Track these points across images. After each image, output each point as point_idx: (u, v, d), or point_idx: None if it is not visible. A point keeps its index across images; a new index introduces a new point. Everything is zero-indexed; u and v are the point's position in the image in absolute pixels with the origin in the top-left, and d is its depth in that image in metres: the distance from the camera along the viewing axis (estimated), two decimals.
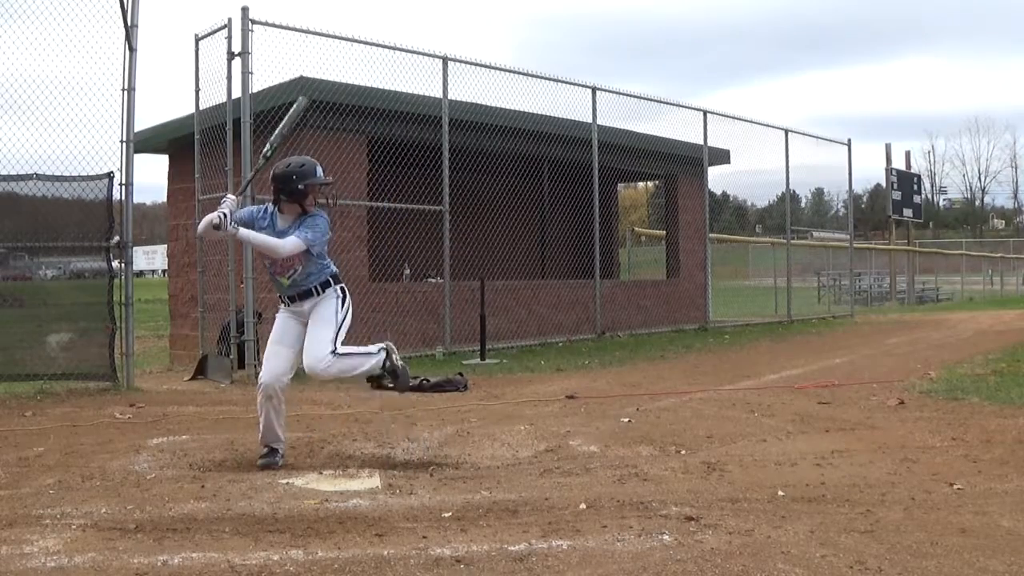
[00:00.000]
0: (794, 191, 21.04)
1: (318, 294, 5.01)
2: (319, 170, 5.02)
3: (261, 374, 5.06)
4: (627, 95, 14.33)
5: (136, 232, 8.97)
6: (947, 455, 5.20)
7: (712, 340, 13.73)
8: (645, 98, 14.87)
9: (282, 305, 5.12)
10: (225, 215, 4.79)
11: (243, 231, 4.88)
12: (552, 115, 13.01)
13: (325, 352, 4.91)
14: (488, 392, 8.16)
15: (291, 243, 4.88)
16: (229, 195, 4.99)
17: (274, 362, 5.01)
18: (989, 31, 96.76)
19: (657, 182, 19.66)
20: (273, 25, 9.39)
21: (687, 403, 7.33)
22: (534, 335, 12.99)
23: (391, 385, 5.12)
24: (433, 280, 12.53)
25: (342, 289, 5.09)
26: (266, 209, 5.06)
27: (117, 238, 8.48)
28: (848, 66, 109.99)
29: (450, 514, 3.98)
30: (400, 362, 5.10)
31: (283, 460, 5.07)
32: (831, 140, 19.36)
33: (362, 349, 5.08)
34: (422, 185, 11.60)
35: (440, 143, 11.29)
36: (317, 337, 4.94)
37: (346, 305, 5.05)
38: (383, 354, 5.05)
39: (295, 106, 5.27)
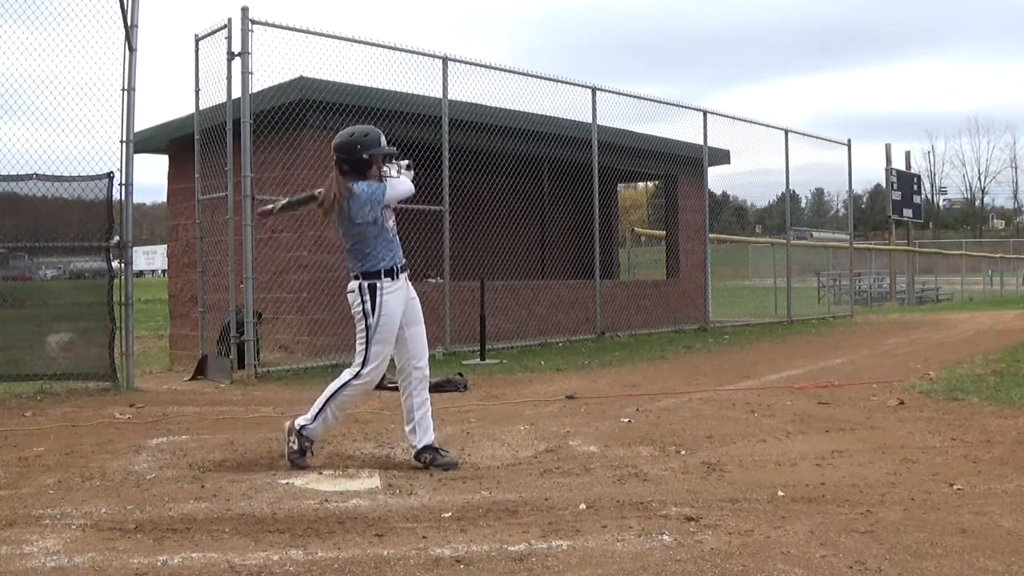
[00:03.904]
0: (794, 191, 21.09)
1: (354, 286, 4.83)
2: (383, 139, 4.91)
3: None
4: (627, 95, 14.32)
5: (136, 232, 8.96)
6: (947, 455, 5.20)
7: (712, 340, 13.73)
8: (645, 98, 14.87)
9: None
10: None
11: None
12: (552, 115, 13.00)
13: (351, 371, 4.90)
14: (488, 392, 8.16)
15: (403, 184, 4.85)
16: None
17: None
18: (989, 32, 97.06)
19: (657, 182, 19.66)
20: (273, 25, 9.39)
21: (687, 403, 7.33)
22: (534, 335, 12.98)
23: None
24: (433, 280, 12.52)
25: (370, 288, 4.81)
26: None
27: (117, 238, 8.47)
28: (849, 68, 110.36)
29: (450, 514, 3.98)
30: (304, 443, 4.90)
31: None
32: (831, 140, 19.36)
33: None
34: (422, 185, 11.53)
35: (440, 143, 11.29)
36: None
37: (376, 312, 4.81)
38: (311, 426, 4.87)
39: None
